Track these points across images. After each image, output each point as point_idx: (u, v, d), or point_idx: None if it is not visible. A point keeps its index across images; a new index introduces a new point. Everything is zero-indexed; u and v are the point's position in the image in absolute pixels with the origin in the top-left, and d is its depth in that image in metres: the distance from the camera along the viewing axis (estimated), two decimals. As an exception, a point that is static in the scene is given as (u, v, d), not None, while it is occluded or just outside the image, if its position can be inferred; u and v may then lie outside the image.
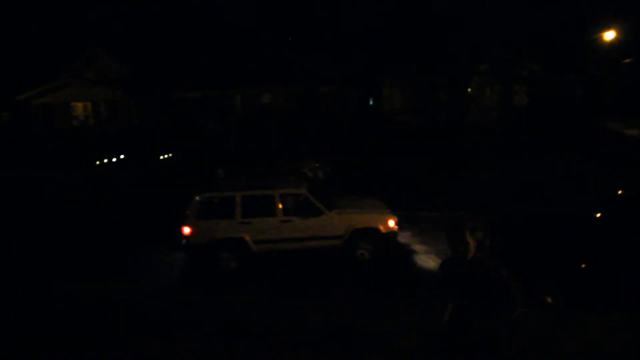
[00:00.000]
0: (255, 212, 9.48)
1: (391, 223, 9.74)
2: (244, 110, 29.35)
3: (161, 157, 22.66)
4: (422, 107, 27.31)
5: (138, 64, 31.45)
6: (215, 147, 23.62)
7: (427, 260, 9.82)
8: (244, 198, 9.47)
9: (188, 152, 23.16)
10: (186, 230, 9.36)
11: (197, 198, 9.45)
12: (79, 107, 30.10)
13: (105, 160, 21.81)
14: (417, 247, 10.60)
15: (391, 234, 9.74)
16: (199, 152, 22.77)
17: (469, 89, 27.00)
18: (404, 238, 10.95)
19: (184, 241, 9.41)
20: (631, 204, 8.28)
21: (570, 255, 7.56)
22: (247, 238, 9.40)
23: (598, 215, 8.54)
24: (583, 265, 7.42)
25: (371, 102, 30.38)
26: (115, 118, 28.75)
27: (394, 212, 10.03)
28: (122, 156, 22.25)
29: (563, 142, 22.22)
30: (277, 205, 9.50)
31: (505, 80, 26.11)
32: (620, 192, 9.19)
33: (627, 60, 32.71)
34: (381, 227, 9.65)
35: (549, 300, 7.46)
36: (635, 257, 7.30)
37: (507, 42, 23.82)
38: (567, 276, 7.49)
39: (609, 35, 31.64)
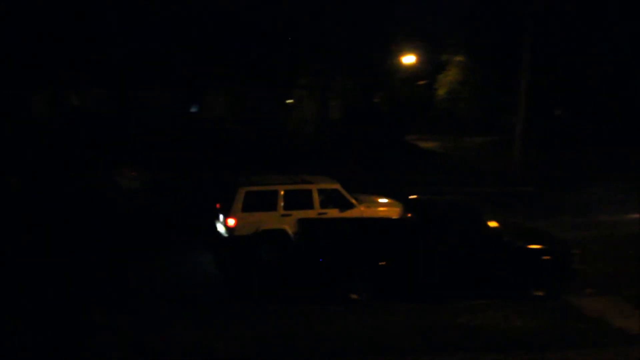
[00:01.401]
0: (295, 205, 10.08)
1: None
2: (49, 114, 26.24)
3: None
4: (246, 116, 27.72)
5: None
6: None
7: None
8: (286, 192, 10.12)
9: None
10: (231, 222, 9.78)
11: (243, 192, 9.91)
12: None
13: None
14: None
15: None
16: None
17: (290, 100, 28.27)
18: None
19: (227, 233, 9.84)
20: (425, 207, 9.58)
21: (373, 254, 8.45)
22: (288, 229, 9.86)
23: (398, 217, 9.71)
24: (382, 263, 8.37)
25: (194, 109, 29.79)
26: None
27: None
28: None
29: (370, 152, 24.54)
30: (315, 199, 10.26)
31: (322, 94, 27.97)
32: (414, 197, 10.56)
33: (422, 82, 37.78)
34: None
35: (354, 296, 8.23)
36: (429, 257, 8.48)
37: (324, 59, 25.56)
38: (369, 273, 8.35)
39: (408, 59, 36.07)
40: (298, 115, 29.18)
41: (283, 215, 10.02)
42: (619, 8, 25.03)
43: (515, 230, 9.38)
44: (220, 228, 10.33)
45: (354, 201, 10.50)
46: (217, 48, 24.44)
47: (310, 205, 10.20)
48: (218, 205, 10.66)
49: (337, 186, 10.56)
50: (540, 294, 8.63)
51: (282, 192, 10.16)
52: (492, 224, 8.89)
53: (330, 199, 10.47)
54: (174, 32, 25.58)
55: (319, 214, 10.15)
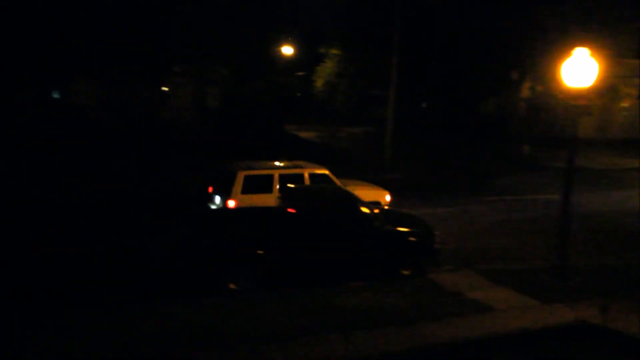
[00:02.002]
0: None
1: (387, 197, 12.52)
2: None
3: None
4: (117, 103, 25.96)
5: None
6: None
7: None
8: (281, 176, 11.10)
9: None
10: (231, 203, 10.65)
11: (242, 176, 10.81)
12: None
13: None
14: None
15: (385, 205, 12.12)
16: None
17: (165, 88, 27.03)
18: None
19: None
20: (301, 195, 9.80)
21: (250, 243, 8.46)
22: None
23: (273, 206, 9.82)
24: (260, 252, 8.42)
25: (57, 95, 27.21)
26: None
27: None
28: None
29: (250, 141, 24.39)
30: (306, 182, 11.21)
31: (198, 82, 27.15)
32: (291, 185, 10.74)
33: (301, 73, 38.40)
34: (382, 200, 12.25)
35: (232, 286, 8.18)
36: (306, 244, 8.68)
37: (200, 46, 24.78)
38: (248, 262, 8.35)
39: (287, 50, 36.37)
40: (175, 103, 28.04)
41: (279, 197, 10.46)
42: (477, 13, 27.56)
43: (385, 215, 9.97)
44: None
45: (341, 184, 11.40)
46: (77, 28, 22.37)
47: None
48: (211, 189, 11.47)
49: (326, 172, 11.62)
50: (407, 272, 9.31)
51: (277, 176, 11.15)
52: (364, 209, 9.37)
53: (321, 182, 11.37)
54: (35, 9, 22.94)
55: None
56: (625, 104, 27.04)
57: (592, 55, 8.60)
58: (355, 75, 34.54)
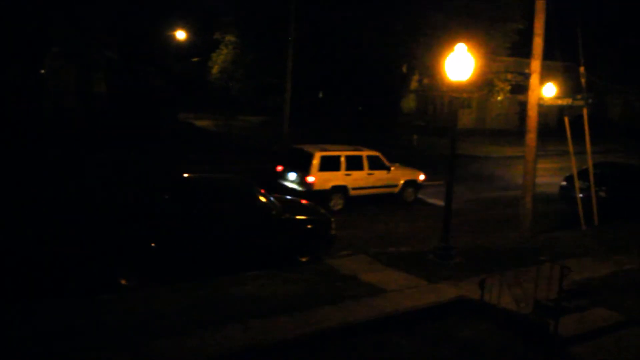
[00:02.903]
0: (352, 167, 13.93)
1: (421, 177, 15.37)
2: None
3: None
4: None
5: None
6: None
7: None
8: (346, 157, 13.91)
9: None
10: (311, 179, 13.23)
11: (319, 156, 13.43)
12: None
13: None
14: None
15: (422, 183, 15.48)
16: None
17: (43, 71, 24.69)
18: None
19: (304, 188, 13.29)
20: (196, 185, 9.49)
21: (140, 236, 8.07)
22: (348, 185, 13.82)
23: (166, 196, 9.41)
24: (153, 244, 8.07)
25: None
26: None
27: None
28: None
29: (142, 130, 23.19)
30: (365, 163, 14.14)
31: (82, 66, 25.15)
32: (186, 175, 10.38)
33: (195, 59, 37.23)
34: (417, 179, 15.28)
35: (123, 282, 7.78)
36: (202, 235, 8.46)
37: (82, 27, 22.92)
38: (138, 256, 7.97)
39: (180, 34, 34.98)
40: (55, 88, 25.73)
41: (345, 175, 13.81)
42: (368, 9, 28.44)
43: (283, 203, 10.04)
44: (293, 185, 13.80)
45: (389, 164, 14.68)
46: None
47: (361, 167, 14.11)
48: (281, 168, 13.68)
49: (378, 154, 14.62)
50: (305, 259, 9.49)
51: (343, 157, 13.87)
52: (262, 198, 9.36)
53: (374, 163, 14.34)
54: None
55: (368, 174, 14.16)
56: (500, 97, 29.62)
57: (470, 51, 9.30)
58: (252, 63, 34.18)
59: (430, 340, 6.95)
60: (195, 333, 6.36)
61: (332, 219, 10.02)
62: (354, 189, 14.04)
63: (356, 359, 6.44)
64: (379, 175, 14.46)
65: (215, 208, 8.79)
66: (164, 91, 30.94)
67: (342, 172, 13.77)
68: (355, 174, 13.98)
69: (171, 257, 8.25)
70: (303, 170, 13.42)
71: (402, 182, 14.99)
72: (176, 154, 19.55)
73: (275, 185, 13.92)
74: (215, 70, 37.00)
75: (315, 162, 13.37)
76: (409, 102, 34.35)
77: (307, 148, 13.99)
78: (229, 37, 36.02)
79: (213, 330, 6.46)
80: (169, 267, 8.25)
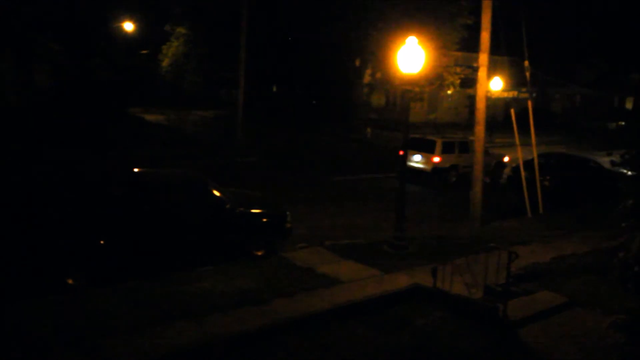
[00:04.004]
0: (461, 151, 18.13)
1: (506, 159, 19.70)
2: None
3: None
4: None
5: None
6: None
7: None
8: (458, 143, 18.53)
9: None
10: (436, 159, 17.63)
11: (440, 141, 17.89)
12: None
13: None
14: None
15: (507, 163, 19.53)
16: None
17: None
18: None
19: (429, 166, 17.73)
20: (149, 181, 9.25)
21: (88, 233, 7.80)
22: (459, 165, 18.03)
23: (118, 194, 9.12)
24: (102, 242, 7.81)
25: None
26: None
27: None
28: None
29: (90, 126, 22.32)
30: (470, 147, 16.19)
31: (22, 57, 23.86)
32: (136, 170, 10.08)
33: (145, 52, 36.12)
34: (503, 160, 19.79)
35: (70, 282, 7.49)
36: (154, 231, 8.25)
37: (23, 14, 21.72)
38: (86, 254, 7.70)
39: (129, 26, 33.83)
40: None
41: (457, 156, 17.98)
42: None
43: (237, 197, 9.93)
44: (418, 165, 17.85)
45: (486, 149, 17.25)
46: None
47: (467, 151, 17.32)
48: (402, 152, 14.23)
49: (472, 137, 15.38)
50: (261, 253, 9.43)
51: (456, 143, 18.34)
52: (216, 192, 9.22)
53: (469, 147, 17.45)
54: None
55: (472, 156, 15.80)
56: (450, 91, 30.37)
57: (421, 44, 9.47)
58: (204, 56, 33.54)
59: (386, 329, 7.07)
60: (147, 331, 6.22)
61: (288, 212, 9.99)
62: (463, 167, 17.73)
63: (312, 349, 6.47)
64: (471, 158, 18.26)
65: (167, 203, 8.60)
66: (112, 85, 29.85)
67: (456, 154, 18.00)
68: (464, 155, 17.79)
69: (122, 254, 8.01)
70: (429, 153, 17.63)
71: (494, 162, 19.06)
72: (126, 150, 18.97)
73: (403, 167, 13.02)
74: (165, 63, 36.05)
75: (439, 145, 17.69)
76: (363, 96, 34.63)
77: (429, 136, 18.71)
78: (180, 29, 35.18)
79: (166, 328, 6.33)
80: (120, 265, 8.01)
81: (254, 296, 7.45)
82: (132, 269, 8.06)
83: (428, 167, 17.72)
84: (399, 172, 10.15)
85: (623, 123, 41.17)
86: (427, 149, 17.82)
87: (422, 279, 8.31)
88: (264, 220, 9.55)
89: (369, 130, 28.61)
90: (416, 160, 17.88)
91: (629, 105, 52.40)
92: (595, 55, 47.79)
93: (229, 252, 9.13)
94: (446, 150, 17.91)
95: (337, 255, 9.56)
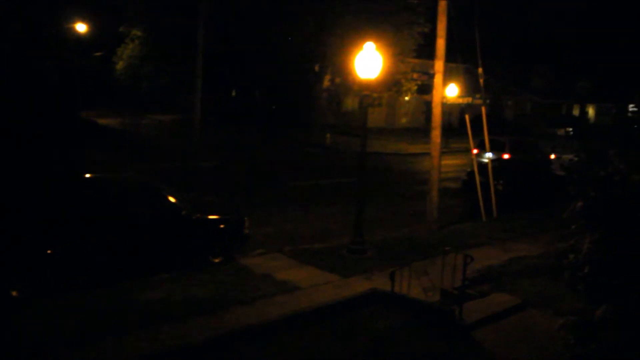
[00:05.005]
0: (520, 149, 20.92)
1: (552, 156, 22.15)
2: None
3: None
4: None
5: None
6: None
7: None
8: (519, 142, 21.90)
9: None
10: (506, 156, 19.99)
11: (510, 140, 21.26)
12: None
13: None
14: None
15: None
16: None
17: None
18: None
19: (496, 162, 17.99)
20: (100, 187, 8.88)
21: (35, 242, 7.42)
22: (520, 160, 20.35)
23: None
24: (49, 251, 7.45)
25: None
26: None
27: None
28: None
29: (38, 129, 21.41)
30: (527, 146, 21.63)
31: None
32: (87, 176, 9.69)
33: (98, 54, 34.98)
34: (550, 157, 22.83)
35: (14, 294, 7.11)
36: (105, 239, 7.93)
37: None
38: (33, 264, 7.33)
39: (81, 27, 32.77)
40: None
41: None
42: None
43: (194, 203, 9.71)
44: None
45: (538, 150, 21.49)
46: None
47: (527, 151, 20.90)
48: (477, 151, 15.99)
49: (537, 141, 21.11)
50: (218, 260, 9.24)
51: (507, 142, 20.74)
52: (171, 198, 8.98)
53: (535, 147, 21.73)
54: None
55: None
56: (407, 97, 30.88)
57: (379, 50, 9.56)
58: (160, 58, 32.82)
59: (343, 335, 7.04)
60: (99, 344, 5.96)
61: (246, 218, 9.84)
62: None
63: (269, 357, 6.36)
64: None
65: (120, 209, 8.31)
66: (62, 87, 28.75)
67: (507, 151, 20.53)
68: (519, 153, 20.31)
69: (71, 263, 7.67)
70: (500, 151, 19.65)
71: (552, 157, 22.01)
72: (77, 155, 18.31)
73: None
74: (120, 65, 35.05)
75: (508, 144, 20.31)
76: (322, 101, 34.69)
77: (499, 138, 20.39)
78: (135, 32, 34.30)
79: (119, 339, 6.09)
80: (69, 275, 7.66)
81: (210, 304, 7.27)
82: (83, 279, 7.72)
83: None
84: (359, 176, 10.18)
85: (571, 129, 43.05)
86: (499, 148, 20.08)
87: (380, 283, 8.33)
88: (222, 226, 9.36)
89: (328, 135, 28.70)
90: (489, 157, 16.18)
91: (575, 112, 54.85)
92: (544, 63, 49.85)
93: (185, 259, 8.90)
94: (513, 148, 20.47)
95: (297, 261, 9.48)
